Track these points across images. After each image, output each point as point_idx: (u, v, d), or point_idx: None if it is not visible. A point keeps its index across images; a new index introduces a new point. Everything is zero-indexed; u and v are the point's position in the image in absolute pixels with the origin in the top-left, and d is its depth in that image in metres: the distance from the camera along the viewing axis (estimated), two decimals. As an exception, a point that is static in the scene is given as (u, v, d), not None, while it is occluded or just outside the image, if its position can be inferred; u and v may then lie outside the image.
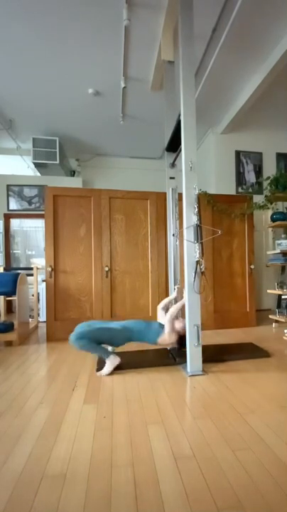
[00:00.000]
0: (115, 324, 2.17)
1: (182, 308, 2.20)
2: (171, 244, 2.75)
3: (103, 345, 2.11)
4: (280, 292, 3.28)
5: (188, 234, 2.05)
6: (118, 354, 2.19)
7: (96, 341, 2.08)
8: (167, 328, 2.17)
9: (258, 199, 3.63)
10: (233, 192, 4.74)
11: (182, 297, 2.42)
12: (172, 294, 2.62)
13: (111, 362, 2.05)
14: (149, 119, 4.40)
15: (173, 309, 2.22)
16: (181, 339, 2.20)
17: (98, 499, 0.94)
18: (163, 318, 2.35)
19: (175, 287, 2.61)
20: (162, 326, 2.23)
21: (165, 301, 2.49)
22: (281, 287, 3.41)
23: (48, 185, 3.25)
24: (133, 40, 2.92)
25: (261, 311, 4.35)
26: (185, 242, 2.06)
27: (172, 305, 2.63)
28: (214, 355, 2.33)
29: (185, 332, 2.12)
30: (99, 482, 1.01)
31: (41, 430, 1.35)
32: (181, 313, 2.43)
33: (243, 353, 2.42)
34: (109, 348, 2.26)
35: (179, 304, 2.27)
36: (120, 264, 3.28)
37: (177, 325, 2.22)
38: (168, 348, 2.58)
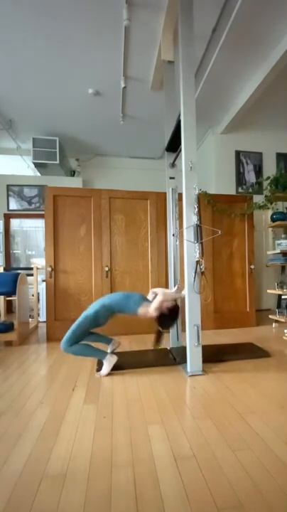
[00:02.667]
0: (91, 309, 2.06)
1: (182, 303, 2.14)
2: (171, 244, 2.75)
3: (98, 348, 2.10)
4: (280, 292, 3.28)
5: (188, 234, 2.05)
6: (117, 354, 2.19)
7: (84, 336, 2.06)
8: (155, 304, 2.02)
9: (258, 199, 3.63)
10: (233, 192, 4.74)
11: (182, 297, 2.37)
12: (173, 289, 2.59)
13: (109, 362, 2.05)
14: (149, 119, 4.40)
15: (174, 294, 2.13)
16: (161, 318, 2.08)
17: (98, 499, 0.94)
18: (152, 296, 2.18)
19: (175, 287, 2.60)
20: (144, 299, 2.12)
21: (161, 289, 2.35)
22: (281, 287, 3.41)
23: (48, 185, 3.25)
24: (133, 40, 2.92)
25: (261, 311, 4.35)
26: (185, 242, 2.05)
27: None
28: (214, 355, 2.33)
29: (168, 311, 2.04)
30: (99, 482, 1.01)
31: (41, 430, 1.35)
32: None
33: (243, 353, 2.42)
34: (109, 350, 2.26)
35: (178, 295, 2.20)
36: (120, 264, 3.28)
37: (166, 304, 2.07)
38: (168, 348, 2.58)
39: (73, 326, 2.03)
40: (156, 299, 2.03)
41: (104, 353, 2.07)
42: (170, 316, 2.07)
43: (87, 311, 2.07)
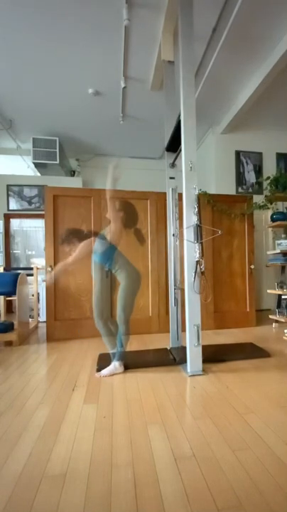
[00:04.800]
0: (96, 288, 2.25)
1: None
2: (171, 244, 2.75)
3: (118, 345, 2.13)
4: (280, 292, 3.28)
5: (188, 234, 2.05)
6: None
7: (107, 303, 2.20)
8: (111, 213, 2.12)
9: (258, 199, 3.63)
10: (233, 192, 4.74)
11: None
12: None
13: (115, 367, 2.05)
14: (149, 119, 4.40)
15: (107, 185, 2.13)
16: (125, 222, 2.19)
17: (98, 499, 0.94)
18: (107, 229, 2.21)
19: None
20: (104, 233, 2.21)
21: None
22: (281, 287, 3.41)
23: (48, 185, 3.25)
24: (133, 40, 2.92)
25: (261, 311, 4.35)
26: (185, 242, 2.05)
27: None
28: (214, 355, 2.33)
29: (123, 211, 2.17)
30: (99, 482, 1.01)
31: (41, 430, 1.35)
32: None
33: (243, 353, 2.42)
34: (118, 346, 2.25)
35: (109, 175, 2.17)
36: (120, 264, 3.27)
37: (115, 213, 2.15)
38: (168, 348, 2.58)
39: (94, 302, 2.20)
40: (110, 212, 2.14)
41: (120, 356, 2.09)
42: (127, 213, 2.22)
43: (94, 290, 2.23)
